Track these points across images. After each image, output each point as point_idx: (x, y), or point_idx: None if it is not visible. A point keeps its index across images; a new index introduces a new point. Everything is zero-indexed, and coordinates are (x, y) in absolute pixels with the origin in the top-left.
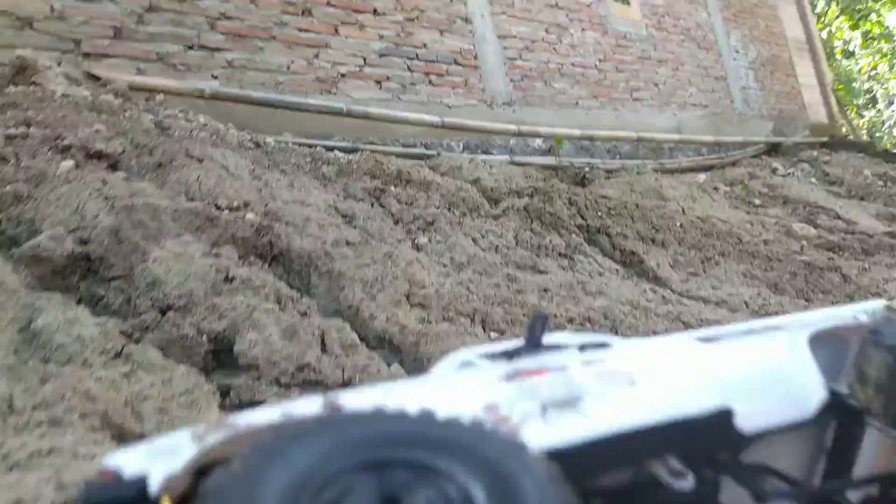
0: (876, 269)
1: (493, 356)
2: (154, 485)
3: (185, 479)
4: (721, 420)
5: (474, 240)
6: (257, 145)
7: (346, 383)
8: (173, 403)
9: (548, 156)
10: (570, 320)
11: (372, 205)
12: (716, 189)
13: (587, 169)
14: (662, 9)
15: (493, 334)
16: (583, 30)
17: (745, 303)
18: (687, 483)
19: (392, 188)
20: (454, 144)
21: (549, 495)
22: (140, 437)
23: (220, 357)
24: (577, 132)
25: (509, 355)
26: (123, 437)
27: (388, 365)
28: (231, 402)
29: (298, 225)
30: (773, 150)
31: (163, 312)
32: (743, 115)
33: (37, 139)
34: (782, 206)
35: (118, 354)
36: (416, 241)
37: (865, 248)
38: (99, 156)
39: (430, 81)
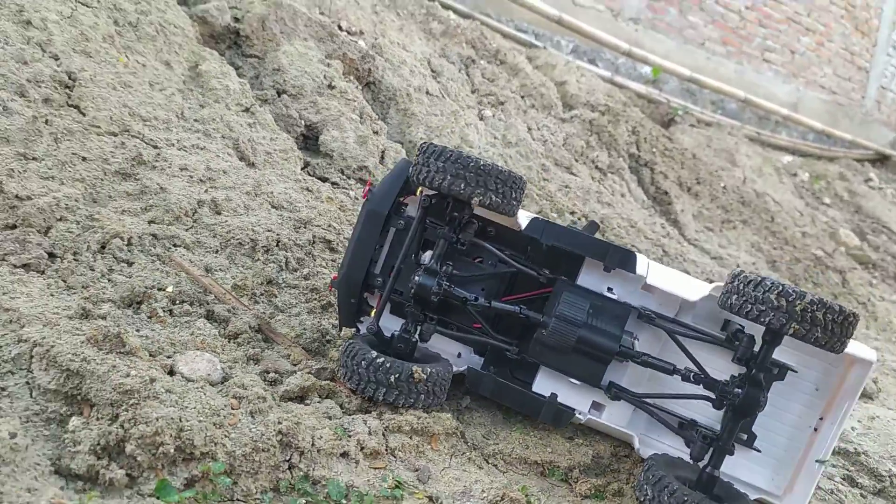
0: (888, 294)
1: None
2: None
3: None
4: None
5: (529, 129)
6: None
7: None
8: (275, 155)
9: (650, 85)
10: (572, 213)
11: (460, 70)
12: (794, 175)
13: (680, 112)
14: None
15: None
16: None
17: (737, 264)
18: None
19: (483, 62)
20: (564, 43)
21: None
22: (252, 165)
23: (307, 140)
24: (686, 72)
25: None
26: (243, 159)
27: None
28: (308, 171)
29: (395, 64)
30: (880, 160)
31: (279, 94)
32: (867, 115)
33: None
34: (851, 213)
35: (247, 110)
36: (482, 112)
37: None
38: None
39: None
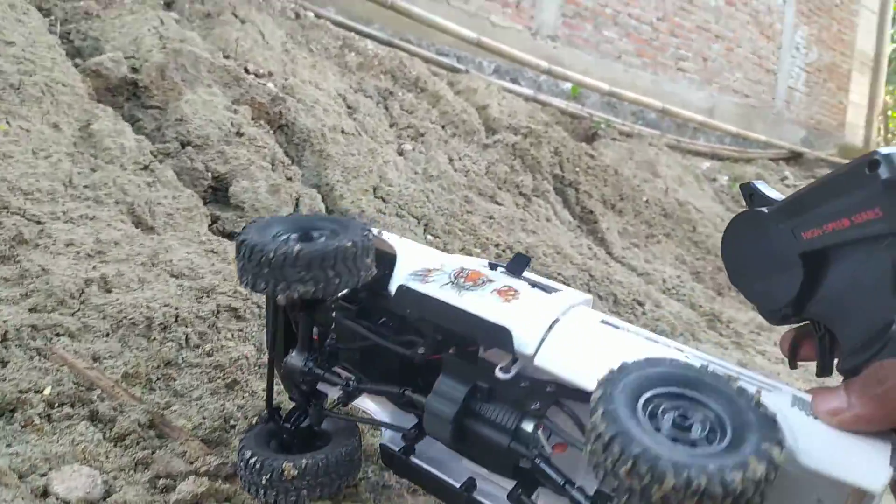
0: None
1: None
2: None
3: None
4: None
5: (451, 160)
6: (297, 16)
7: None
8: (177, 216)
9: (572, 101)
10: (497, 245)
11: (377, 104)
12: (714, 180)
13: (602, 126)
14: None
15: (428, 236)
16: None
17: (664, 279)
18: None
19: (401, 93)
20: (486, 64)
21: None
22: (150, 229)
23: (216, 192)
24: (605, 86)
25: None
26: (139, 225)
27: None
28: (217, 228)
29: (308, 104)
30: (793, 158)
31: (183, 145)
32: (779, 116)
33: None
34: None
35: (146, 167)
36: (401, 147)
37: None
38: None
39: None
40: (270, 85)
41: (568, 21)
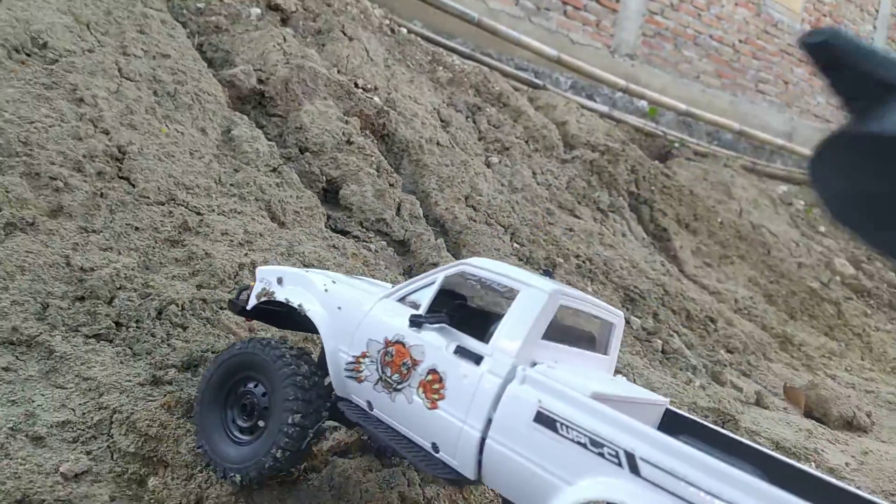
0: (882, 324)
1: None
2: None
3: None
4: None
5: (534, 173)
6: (392, 31)
7: (405, 241)
8: (302, 213)
9: (648, 120)
10: (577, 256)
11: (467, 118)
12: (790, 204)
13: (677, 145)
14: (828, 8)
15: (515, 245)
16: (736, 4)
17: (736, 299)
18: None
19: (488, 108)
20: (563, 80)
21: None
22: (282, 224)
23: (327, 194)
24: (681, 106)
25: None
26: (275, 220)
27: (436, 239)
28: (330, 226)
29: (407, 117)
30: None
31: (301, 151)
32: None
33: None
34: (845, 241)
35: (275, 170)
36: (488, 159)
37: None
38: (276, 8)
39: (566, 12)
40: (376, 98)
41: (647, 40)
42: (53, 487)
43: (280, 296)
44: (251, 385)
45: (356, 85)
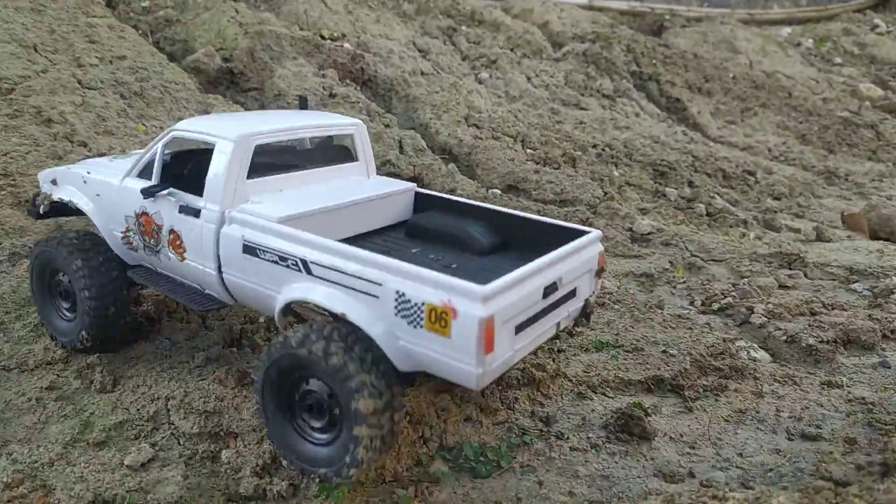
0: None
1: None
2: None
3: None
4: None
5: (528, 78)
6: None
7: (416, 177)
8: None
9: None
10: (594, 146)
11: (444, 42)
12: (798, 44)
13: (667, 17)
14: None
15: (528, 151)
16: None
17: (769, 148)
18: None
19: (463, 28)
20: None
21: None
22: None
23: None
24: None
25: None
26: None
27: (447, 165)
28: None
29: (383, 56)
30: (881, 4)
31: None
32: None
33: None
34: (866, 65)
35: None
36: (478, 76)
37: None
38: None
39: None
40: (346, 45)
41: None
42: (123, 480)
43: (56, 195)
44: (61, 276)
45: (322, 37)
